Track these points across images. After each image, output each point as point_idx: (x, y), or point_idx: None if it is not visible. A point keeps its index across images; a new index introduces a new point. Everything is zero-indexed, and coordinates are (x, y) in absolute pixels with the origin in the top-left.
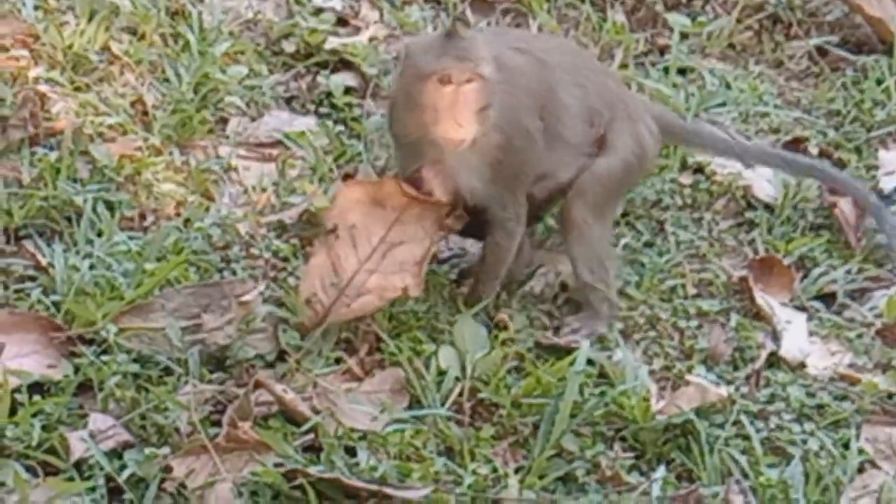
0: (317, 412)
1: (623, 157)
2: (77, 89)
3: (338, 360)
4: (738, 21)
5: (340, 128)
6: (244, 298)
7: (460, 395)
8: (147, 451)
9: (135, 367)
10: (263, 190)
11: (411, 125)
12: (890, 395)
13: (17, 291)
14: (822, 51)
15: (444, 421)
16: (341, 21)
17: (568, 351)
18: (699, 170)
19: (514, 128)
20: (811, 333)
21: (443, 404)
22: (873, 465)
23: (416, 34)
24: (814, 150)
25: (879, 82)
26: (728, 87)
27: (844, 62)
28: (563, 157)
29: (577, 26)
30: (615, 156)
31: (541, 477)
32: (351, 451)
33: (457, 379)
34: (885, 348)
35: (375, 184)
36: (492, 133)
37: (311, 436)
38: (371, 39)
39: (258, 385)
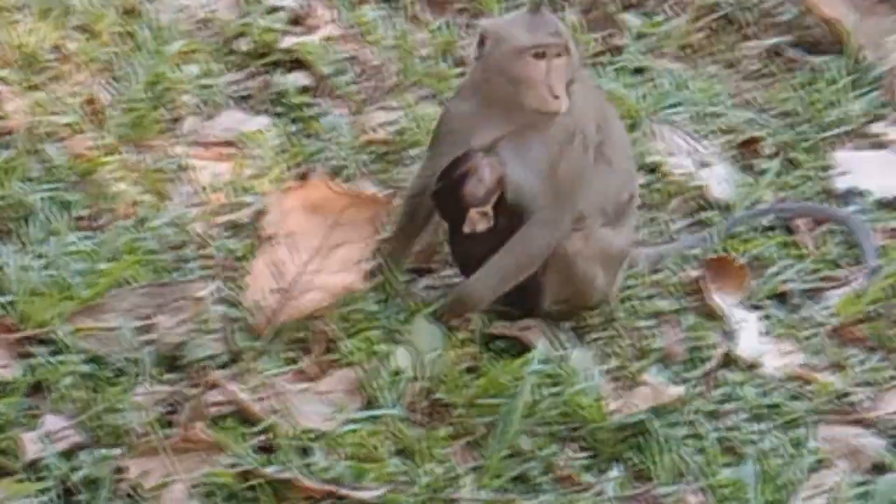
0: (272, 412)
1: (625, 241)
2: (30, 88)
3: (292, 361)
4: (692, 21)
5: (295, 127)
6: (197, 295)
7: (415, 395)
8: (101, 451)
9: (88, 368)
10: (217, 189)
11: (501, 101)
12: (843, 395)
13: None
14: (775, 51)
15: (398, 421)
16: (295, 20)
17: (523, 350)
18: (654, 170)
19: (578, 126)
20: (765, 333)
21: (398, 404)
22: (827, 464)
23: (370, 34)
24: (768, 151)
25: (833, 82)
26: (682, 87)
27: (798, 62)
28: (603, 187)
29: None
30: (620, 236)
31: (496, 477)
32: (305, 452)
33: (412, 379)
34: (838, 348)
35: (308, 189)
36: (560, 124)
37: (266, 436)
38: (325, 39)
39: (212, 385)
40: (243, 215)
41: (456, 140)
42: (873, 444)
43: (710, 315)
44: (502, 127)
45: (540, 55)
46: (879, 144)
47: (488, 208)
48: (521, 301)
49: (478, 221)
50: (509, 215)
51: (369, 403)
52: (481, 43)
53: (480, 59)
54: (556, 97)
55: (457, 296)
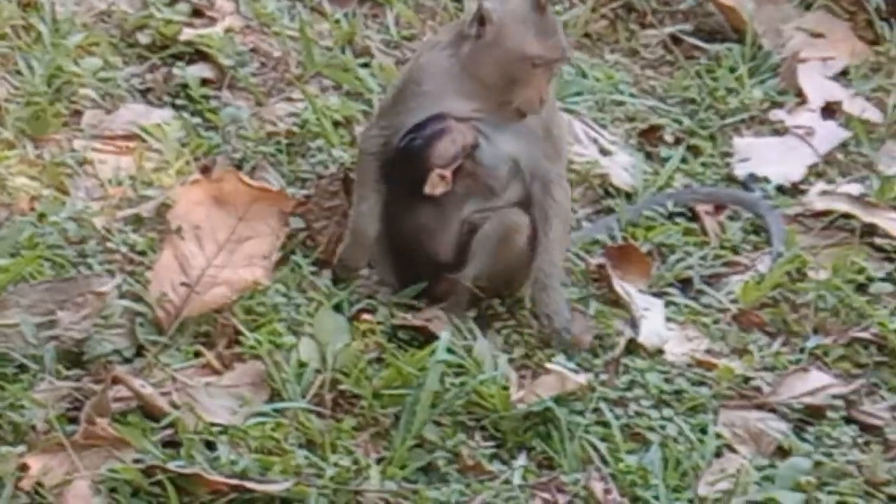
0: (176, 407)
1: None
2: None
3: (196, 354)
4: (593, 10)
5: (197, 120)
6: (100, 290)
7: (321, 387)
8: (3, 449)
9: None
10: (119, 183)
11: (487, 84)
12: (746, 380)
13: None
14: (676, 39)
15: (304, 413)
16: (196, 12)
17: (428, 340)
18: None
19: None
20: (669, 320)
21: (303, 397)
22: (730, 449)
23: (271, 25)
24: (669, 138)
25: (732, 70)
26: (584, 76)
27: (698, 50)
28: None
29: (434, 17)
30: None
31: (402, 467)
32: (211, 446)
33: (317, 371)
34: (740, 334)
35: (216, 182)
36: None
37: (171, 431)
38: (227, 31)
39: (116, 381)
40: (146, 209)
41: (427, 100)
42: (776, 427)
43: (615, 303)
44: (482, 102)
45: (542, 64)
46: (779, 131)
47: (449, 172)
48: (436, 273)
49: (437, 184)
50: (466, 184)
51: (275, 396)
52: (481, 23)
53: (476, 39)
54: (543, 102)
55: (539, 284)
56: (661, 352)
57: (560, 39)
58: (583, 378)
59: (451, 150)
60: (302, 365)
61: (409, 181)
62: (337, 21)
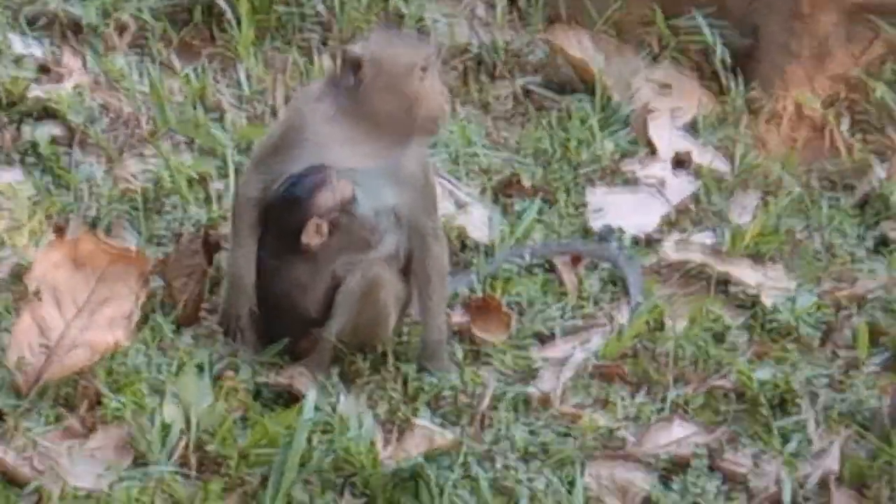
0: (39, 473)
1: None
2: None
3: (58, 418)
4: (444, 63)
5: (48, 178)
6: None
7: (186, 448)
8: None
9: None
10: None
11: (384, 122)
12: (610, 432)
13: None
14: (527, 92)
15: (170, 476)
16: (43, 69)
17: (293, 398)
18: None
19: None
20: (532, 371)
21: (169, 459)
22: (598, 501)
23: (121, 81)
24: (524, 191)
25: (583, 122)
26: None
27: (549, 102)
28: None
29: (284, 71)
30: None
31: None
32: None
33: (182, 432)
34: (602, 384)
35: (73, 243)
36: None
37: (35, 497)
38: (75, 87)
39: None
40: (0, 271)
41: (310, 149)
42: (642, 479)
43: (477, 356)
44: (374, 144)
45: (424, 68)
46: (631, 182)
47: (325, 224)
48: (303, 329)
49: (313, 234)
50: (340, 239)
51: (139, 459)
52: (356, 69)
53: (356, 86)
54: (444, 105)
55: (429, 348)
56: (525, 405)
57: (420, 36)
58: (450, 435)
59: (331, 202)
60: (166, 426)
61: (286, 229)
62: (186, 77)
